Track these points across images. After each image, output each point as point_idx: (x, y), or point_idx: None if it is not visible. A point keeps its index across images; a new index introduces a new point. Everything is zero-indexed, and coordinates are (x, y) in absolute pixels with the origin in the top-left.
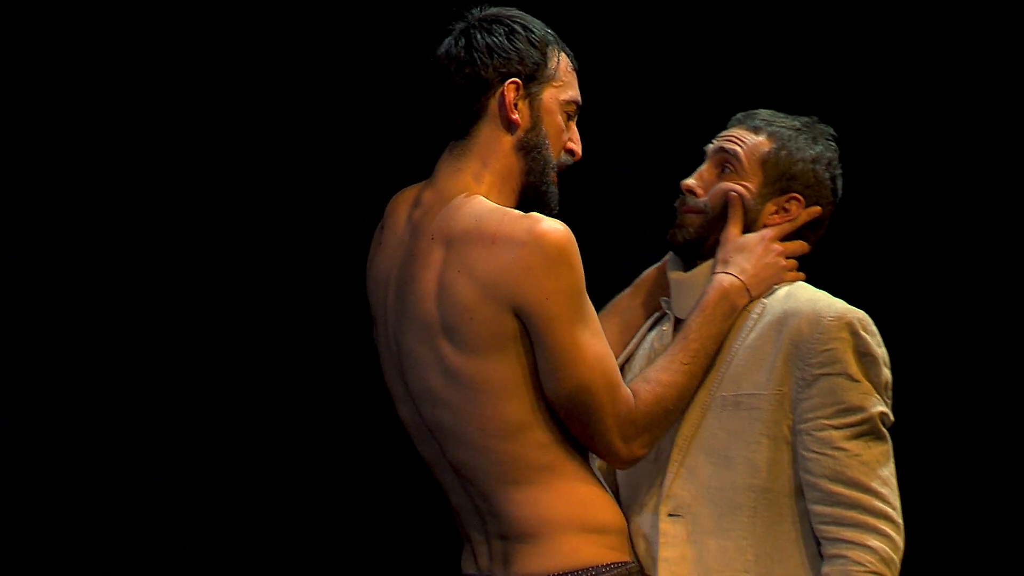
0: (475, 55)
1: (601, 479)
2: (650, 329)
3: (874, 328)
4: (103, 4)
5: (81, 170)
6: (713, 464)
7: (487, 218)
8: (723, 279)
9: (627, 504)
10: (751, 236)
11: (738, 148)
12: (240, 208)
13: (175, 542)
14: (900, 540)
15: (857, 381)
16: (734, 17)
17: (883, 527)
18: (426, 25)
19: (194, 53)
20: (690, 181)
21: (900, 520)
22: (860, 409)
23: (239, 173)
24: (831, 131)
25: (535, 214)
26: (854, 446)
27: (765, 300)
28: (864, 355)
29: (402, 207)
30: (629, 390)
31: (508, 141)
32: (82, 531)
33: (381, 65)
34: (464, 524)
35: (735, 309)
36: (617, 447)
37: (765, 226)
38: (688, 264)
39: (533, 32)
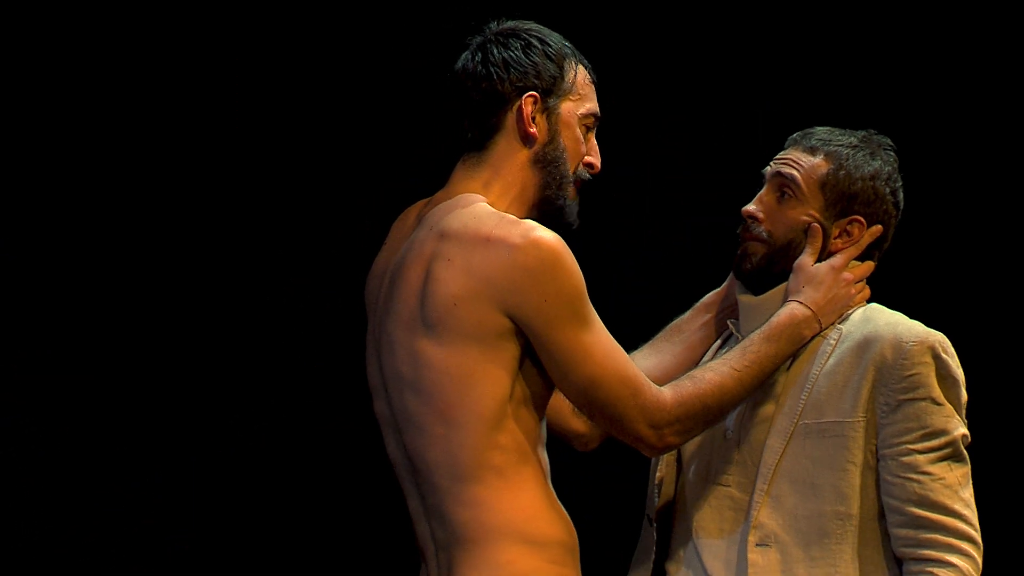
0: (492, 69)
1: (553, 494)
2: (718, 350)
3: (952, 350)
4: (103, 4)
5: (81, 170)
6: (799, 493)
7: (484, 219)
8: (795, 308)
9: (702, 531)
10: (822, 266)
11: (796, 172)
12: (240, 208)
13: (175, 542)
14: (980, 559)
15: (940, 404)
16: (734, 15)
17: (966, 547)
18: (426, 26)
19: (195, 54)
20: (751, 208)
21: (980, 540)
22: (944, 432)
23: (239, 173)
24: (889, 142)
25: (529, 221)
26: (938, 469)
27: (841, 326)
28: (945, 378)
29: (413, 211)
30: (650, 382)
31: (524, 155)
32: (82, 531)
33: (380, 66)
34: (418, 537)
35: (802, 338)
36: (645, 434)
37: (830, 252)
38: (757, 289)
39: (550, 45)
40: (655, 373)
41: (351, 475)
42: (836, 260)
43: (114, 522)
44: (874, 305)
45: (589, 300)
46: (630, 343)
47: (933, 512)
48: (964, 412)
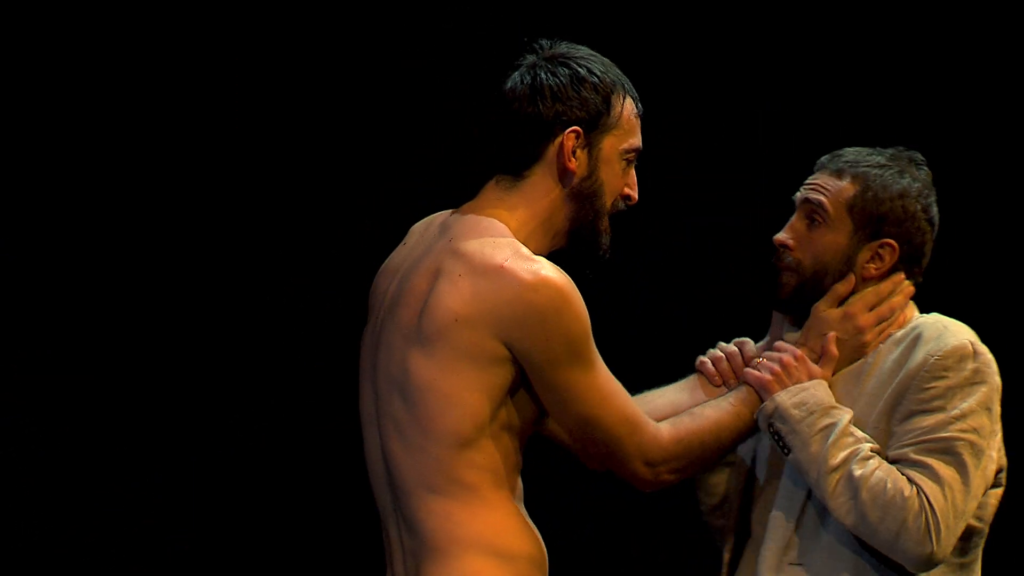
0: (538, 99)
1: (524, 513)
2: None
3: (983, 358)
4: (103, 4)
5: (81, 170)
6: (825, 506)
7: (501, 248)
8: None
9: (755, 548)
10: (834, 312)
11: (823, 198)
12: (240, 209)
13: (175, 542)
14: (933, 522)
15: (947, 412)
16: (734, 15)
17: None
18: (426, 26)
19: (195, 54)
20: (782, 236)
21: (941, 519)
22: (934, 429)
23: (239, 174)
24: (919, 157)
25: (543, 259)
26: (926, 458)
27: (882, 345)
28: (966, 386)
29: (439, 218)
30: (649, 420)
31: (561, 187)
32: (82, 531)
33: (380, 66)
34: (387, 539)
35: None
36: (641, 471)
37: (864, 277)
38: (797, 318)
39: (599, 77)
40: (670, 411)
41: (351, 475)
42: (853, 306)
43: (114, 522)
44: (925, 319)
45: (592, 341)
46: (632, 344)
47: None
48: (989, 418)
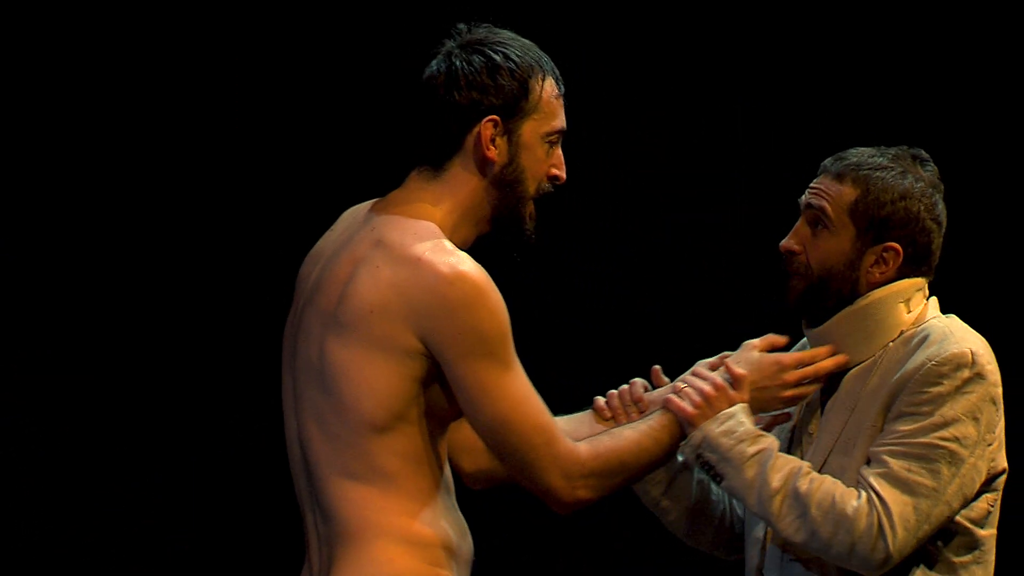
0: (453, 88)
1: (449, 503)
2: (818, 391)
3: (985, 368)
4: (102, 4)
5: (81, 170)
6: None
7: (422, 239)
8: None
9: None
10: (766, 358)
11: (825, 203)
12: (240, 209)
13: (175, 542)
14: (876, 539)
15: (934, 418)
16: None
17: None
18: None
19: (194, 54)
20: (787, 243)
21: (889, 539)
22: (920, 433)
23: (239, 174)
24: (924, 155)
25: (464, 254)
26: (893, 461)
27: (891, 342)
28: (961, 393)
29: (366, 206)
30: (564, 434)
31: (481, 176)
32: (82, 531)
33: (380, 66)
34: (305, 530)
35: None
36: (557, 484)
37: (870, 282)
38: (812, 321)
39: (515, 62)
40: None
41: None
42: (785, 358)
43: (114, 522)
44: (936, 322)
45: (511, 344)
46: (608, 341)
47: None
48: (976, 427)
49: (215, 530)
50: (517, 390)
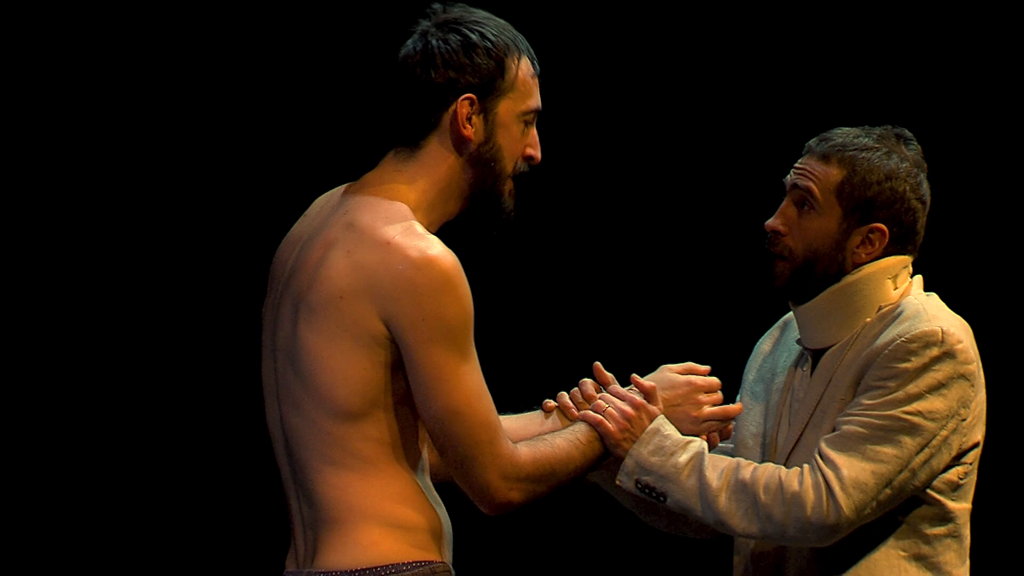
0: (430, 67)
1: (427, 485)
2: (796, 367)
3: (958, 345)
4: (101, 4)
5: (81, 170)
6: None
7: (393, 223)
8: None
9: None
10: (680, 379)
11: (811, 184)
12: (240, 209)
13: (175, 542)
14: (830, 511)
15: (900, 393)
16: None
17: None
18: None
19: (193, 55)
20: (773, 222)
21: (845, 504)
22: (884, 407)
23: (238, 175)
24: (907, 134)
25: (435, 238)
26: (858, 432)
27: (869, 318)
28: (927, 370)
29: (340, 191)
30: (506, 436)
31: (458, 155)
32: (82, 531)
33: (353, 47)
34: (290, 515)
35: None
36: (494, 483)
37: (854, 263)
38: (798, 299)
39: (491, 41)
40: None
41: None
42: (701, 381)
43: (114, 522)
44: (913, 300)
45: (472, 336)
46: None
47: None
48: (944, 402)
49: (214, 530)
50: (472, 383)
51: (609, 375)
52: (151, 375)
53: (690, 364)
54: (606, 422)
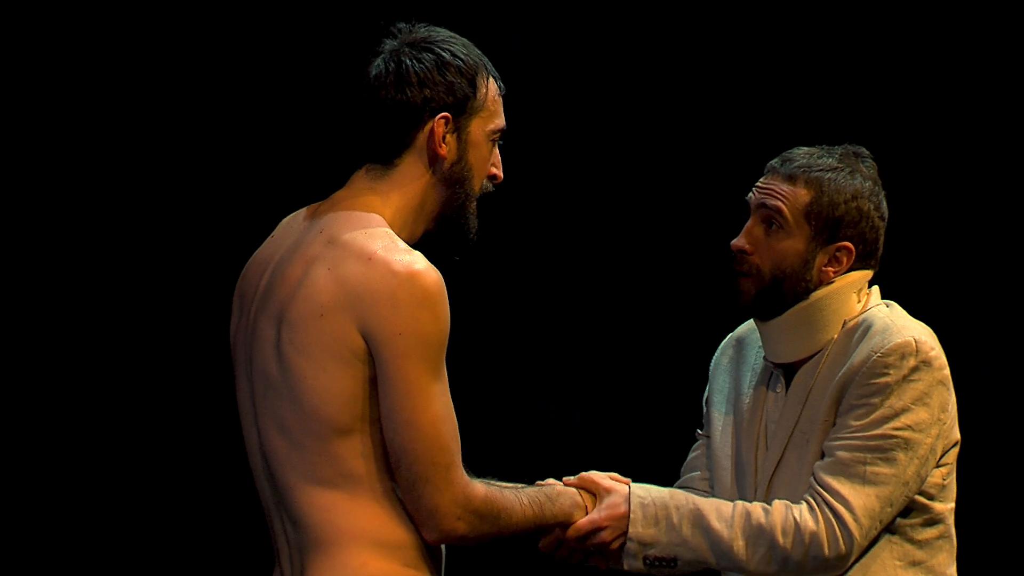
0: (405, 86)
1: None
2: (766, 387)
3: (931, 352)
4: (100, 4)
5: (81, 171)
6: (790, 497)
7: (376, 238)
8: (580, 499)
9: None
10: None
11: (781, 204)
12: (239, 209)
13: (175, 542)
14: (842, 536)
15: (887, 409)
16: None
17: (829, 512)
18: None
19: (193, 55)
20: (739, 242)
21: (852, 528)
22: (874, 425)
23: (238, 176)
24: (865, 152)
25: (419, 254)
26: (848, 456)
27: (835, 335)
28: (910, 381)
29: (307, 211)
30: (463, 469)
31: (432, 173)
32: (82, 531)
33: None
34: (274, 538)
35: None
36: (443, 509)
37: (820, 281)
38: (762, 316)
39: (463, 60)
40: None
41: None
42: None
43: (114, 522)
44: (877, 311)
45: (444, 357)
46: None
47: (816, 483)
48: (927, 411)
49: (214, 530)
50: (439, 404)
51: (547, 480)
52: (146, 381)
53: (614, 475)
54: (600, 558)
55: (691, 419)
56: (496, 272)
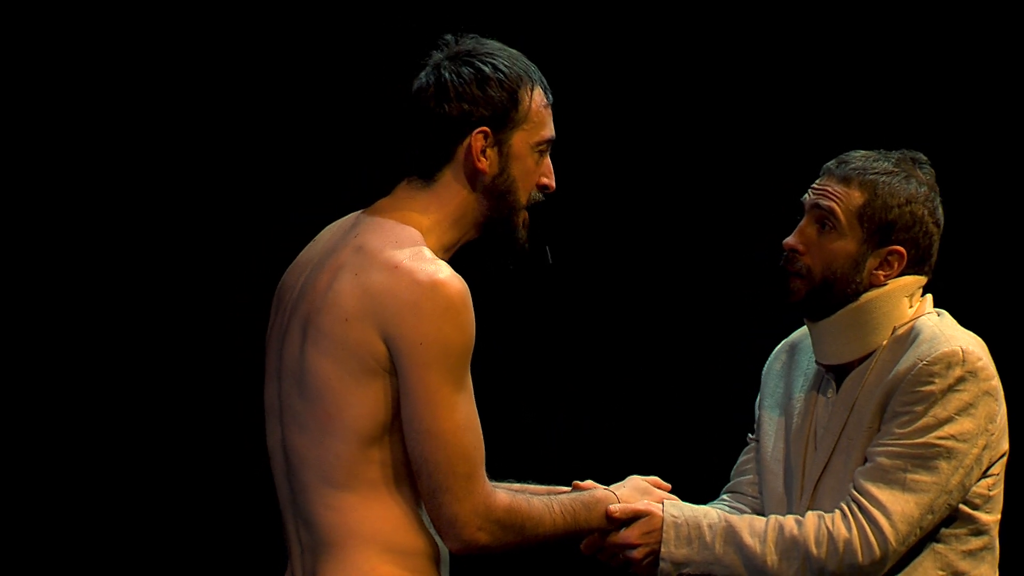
0: (443, 100)
1: (422, 509)
2: (817, 392)
3: (978, 364)
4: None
5: (82, 171)
6: (835, 502)
7: (403, 246)
8: (611, 497)
9: None
10: (648, 486)
11: (835, 205)
12: (239, 209)
13: (175, 542)
14: (878, 545)
15: (931, 418)
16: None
17: (868, 522)
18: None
19: (192, 55)
20: (792, 240)
21: (890, 537)
22: (916, 434)
23: (238, 176)
24: (923, 158)
25: (445, 264)
26: (890, 462)
27: (884, 341)
28: (955, 391)
29: (351, 216)
30: (486, 479)
31: (472, 188)
32: (82, 531)
33: (368, 78)
34: (287, 539)
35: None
36: (463, 518)
37: (871, 283)
38: (813, 316)
39: (504, 73)
40: None
41: None
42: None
43: (114, 522)
44: (927, 320)
45: (468, 366)
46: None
47: (856, 491)
48: (972, 420)
49: (214, 530)
50: (461, 413)
51: (587, 482)
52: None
53: (656, 479)
54: (629, 554)
55: (701, 424)
56: (506, 278)
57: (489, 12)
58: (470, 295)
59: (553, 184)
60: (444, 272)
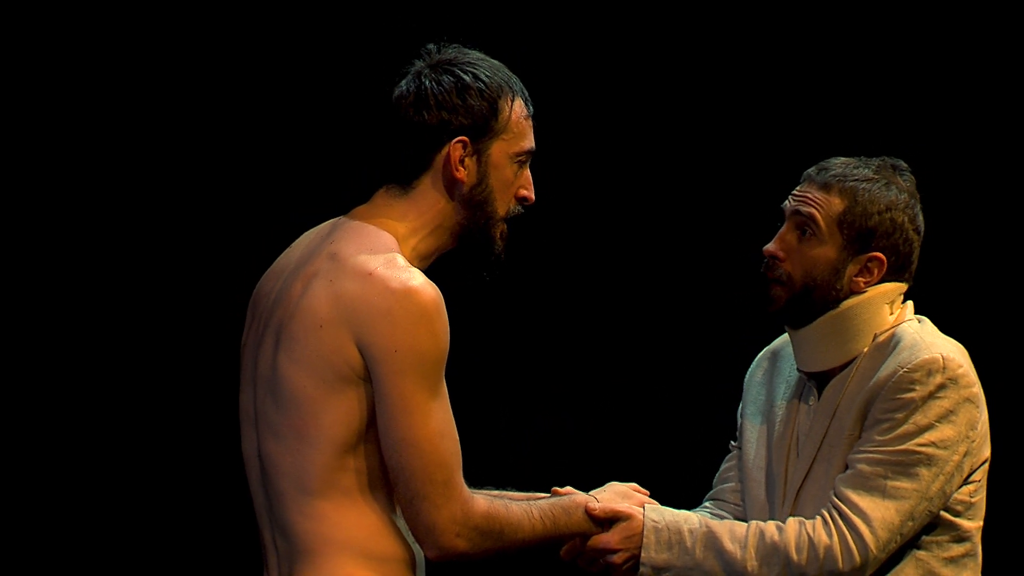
0: (423, 108)
1: (399, 516)
2: (798, 399)
3: (959, 371)
4: (98, 4)
5: (81, 171)
6: (816, 510)
7: (377, 254)
8: (593, 503)
9: None
10: (628, 491)
11: (815, 211)
12: (239, 209)
13: (175, 542)
14: (858, 551)
15: (913, 425)
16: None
17: (847, 527)
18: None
19: (192, 55)
20: (772, 247)
21: (871, 544)
22: (898, 440)
23: (238, 176)
24: (903, 165)
25: (418, 272)
26: (870, 469)
27: (865, 348)
28: (936, 398)
29: (328, 223)
30: (464, 485)
31: (450, 197)
32: (82, 531)
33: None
34: (263, 546)
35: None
36: (441, 525)
37: (851, 291)
38: (794, 324)
39: (484, 82)
40: None
41: None
42: (636, 496)
43: (115, 522)
44: (907, 327)
45: (443, 373)
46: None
47: (837, 497)
48: (953, 428)
49: (214, 530)
50: (436, 420)
51: (566, 488)
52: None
53: (635, 485)
54: (609, 558)
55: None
56: (487, 280)
57: (485, 15)
58: (444, 302)
59: (532, 196)
60: (417, 279)
